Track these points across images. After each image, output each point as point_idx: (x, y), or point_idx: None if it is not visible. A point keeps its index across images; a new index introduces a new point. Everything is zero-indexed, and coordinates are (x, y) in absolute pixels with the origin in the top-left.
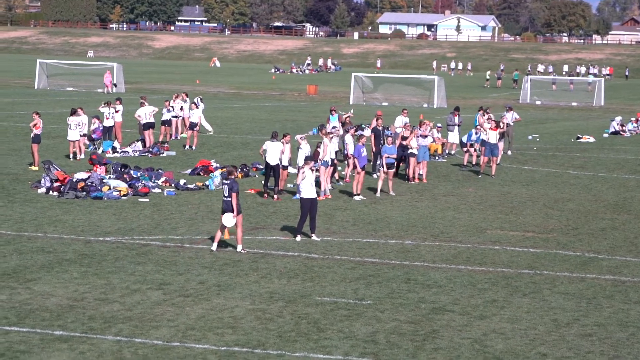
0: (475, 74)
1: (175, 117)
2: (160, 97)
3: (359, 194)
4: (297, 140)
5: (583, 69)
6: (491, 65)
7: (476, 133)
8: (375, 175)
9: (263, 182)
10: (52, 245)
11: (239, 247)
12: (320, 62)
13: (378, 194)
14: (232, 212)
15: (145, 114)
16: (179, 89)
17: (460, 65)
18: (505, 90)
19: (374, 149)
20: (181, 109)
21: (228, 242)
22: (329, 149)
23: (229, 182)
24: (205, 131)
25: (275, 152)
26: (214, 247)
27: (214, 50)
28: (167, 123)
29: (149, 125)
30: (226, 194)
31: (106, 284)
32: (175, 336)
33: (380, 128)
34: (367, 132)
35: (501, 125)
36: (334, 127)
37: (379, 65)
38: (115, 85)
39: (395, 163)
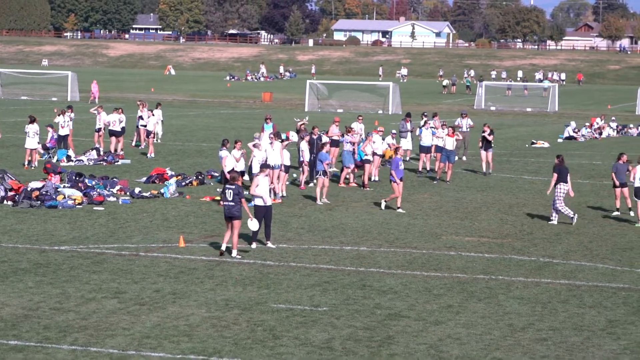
0: (431, 81)
1: (144, 125)
2: (111, 105)
3: (399, 207)
4: (250, 147)
5: (556, 76)
6: (447, 72)
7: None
8: (312, 184)
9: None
10: (6, 254)
11: (234, 253)
12: (281, 69)
13: (319, 202)
14: (238, 217)
15: (114, 121)
16: (134, 97)
17: (405, 72)
18: (460, 96)
19: (303, 159)
20: (141, 117)
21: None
22: (275, 154)
23: (234, 187)
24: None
25: (231, 160)
26: (223, 247)
27: (169, 58)
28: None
29: (115, 133)
30: (230, 199)
31: (61, 293)
32: (130, 345)
33: (315, 137)
34: (326, 139)
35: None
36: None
37: (313, 71)
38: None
39: (352, 168)
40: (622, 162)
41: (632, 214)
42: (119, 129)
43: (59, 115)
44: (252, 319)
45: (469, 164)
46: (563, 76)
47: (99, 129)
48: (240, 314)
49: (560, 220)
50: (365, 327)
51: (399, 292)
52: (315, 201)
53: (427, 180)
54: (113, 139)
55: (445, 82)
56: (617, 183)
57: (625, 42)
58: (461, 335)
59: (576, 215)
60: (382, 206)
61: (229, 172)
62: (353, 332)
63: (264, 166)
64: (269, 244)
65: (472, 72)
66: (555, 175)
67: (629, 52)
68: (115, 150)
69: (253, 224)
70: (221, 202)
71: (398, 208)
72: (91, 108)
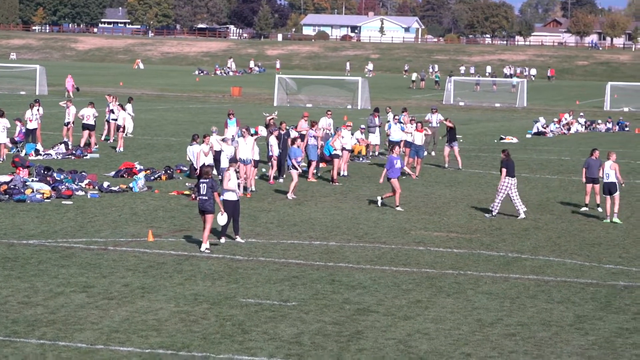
0: (399, 76)
1: (114, 119)
2: (81, 100)
3: (398, 206)
4: (218, 142)
5: (526, 71)
6: (416, 67)
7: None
8: (280, 179)
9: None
10: None
11: (204, 247)
12: (252, 64)
13: (289, 196)
14: (210, 211)
15: (89, 115)
16: (103, 91)
17: (371, 67)
18: (429, 91)
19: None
20: (112, 111)
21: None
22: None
23: (207, 181)
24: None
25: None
26: (206, 246)
27: (138, 52)
28: (90, 127)
29: (89, 127)
30: (203, 192)
31: (29, 287)
32: (99, 339)
33: (283, 132)
34: (295, 134)
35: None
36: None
37: (278, 66)
38: (77, 89)
39: (316, 164)
40: (594, 157)
41: (600, 210)
42: (93, 123)
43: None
44: (221, 314)
45: (437, 159)
46: (534, 72)
47: (68, 123)
48: (209, 309)
49: (529, 217)
50: (334, 322)
51: (368, 287)
52: (287, 195)
53: None
54: (86, 132)
55: (414, 76)
56: (586, 179)
57: (594, 38)
58: (430, 330)
59: (496, 213)
60: (379, 203)
61: (202, 167)
62: (322, 327)
63: (233, 160)
64: (238, 239)
65: (436, 67)
66: (504, 170)
67: (599, 48)
68: (88, 144)
69: (222, 219)
70: (192, 196)
71: (397, 206)
72: (61, 101)
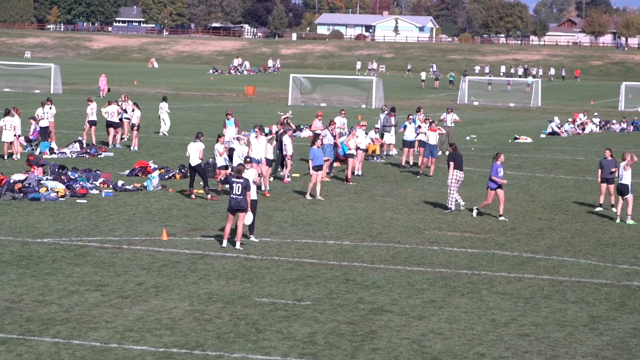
0: (415, 75)
1: (128, 118)
2: (99, 99)
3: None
4: (232, 140)
5: (553, 71)
6: (421, 67)
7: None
8: (271, 179)
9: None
10: None
11: (238, 245)
12: (270, 62)
13: (316, 197)
14: (245, 210)
15: (113, 112)
16: (118, 90)
17: (374, 65)
18: (443, 91)
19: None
20: (125, 110)
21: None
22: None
23: (242, 180)
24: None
25: (194, 152)
26: (224, 243)
27: (152, 51)
28: (115, 125)
29: (113, 124)
30: (238, 192)
31: (44, 285)
32: (113, 338)
33: (280, 132)
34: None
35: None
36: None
37: (278, 65)
38: (109, 89)
39: (330, 163)
40: (608, 157)
41: (614, 209)
42: (117, 120)
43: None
44: (235, 313)
45: None
46: (552, 71)
47: (93, 122)
48: (223, 308)
49: (544, 217)
50: (348, 321)
51: (382, 287)
52: (305, 195)
53: (410, 174)
54: (111, 130)
55: (424, 75)
56: (600, 179)
57: (620, 39)
58: (444, 330)
59: (464, 205)
60: (474, 213)
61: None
62: (336, 327)
63: (246, 160)
64: (252, 238)
65: (433, 67)
66: (452, 163)
67: (625, 49)
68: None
69: (249, 218)
70: (209, 197)
71: (500, 216)
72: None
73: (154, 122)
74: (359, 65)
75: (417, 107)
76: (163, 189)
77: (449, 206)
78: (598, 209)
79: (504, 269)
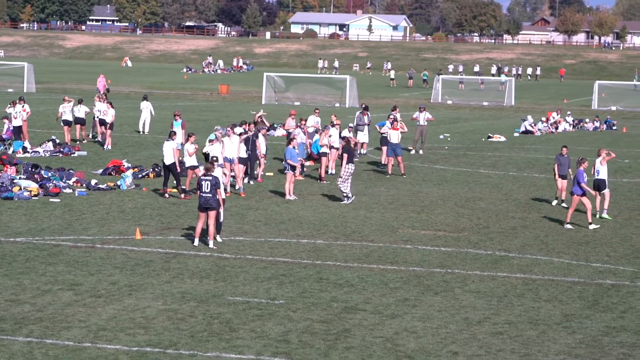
0: (387, 75)
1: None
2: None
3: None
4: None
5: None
6: (402, 65)
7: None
8: (252, 182)
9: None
10: None
11: (211, 243)
12: (240, 62)
13: (288, 197)
14: (215, 208)
15: (105, 110)
16: (91, 89)
17: (331, 64)
18: (417, 89)
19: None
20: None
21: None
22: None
23: (211, 178)
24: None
25: (169, 151)
26: (196, 242)
27: (126, 49)
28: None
29: (78, 121)
30: (207, 190)
31: (17, 284)
32: (86, 337)
33: (251, 133)
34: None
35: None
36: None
37: (241, 64)
38: (108, 90)
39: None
40: (564, 154)
41: (564, 205)
42: (109, 121)
43: (10, 106)
44: (208, 312)
45: (425, 158)
46: (531, 70)
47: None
48: (197, 307)
49: (517, 215)
50: (322, 320)
51: (356, 285)
52: (285, 196)
53: (383, 174)
54: (78, 126)
55: (392, 74)
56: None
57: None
58: (417, 329)
59: (353, 198)
60: (568, 226)
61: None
62: (309, 325)
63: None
64: (218, 238)
65: (389, 65)
66: (346, 155)
67: (612, 48)
68: (75, 140)
69: (221, 215)
70: (182, 196)
71: (590, 224)
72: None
73: (127, 121)
74: (320, 63)
75: (393, 106)
76: (136, 188)
77: (348, 196)
78: (554, 202)
79: (477, 268)
